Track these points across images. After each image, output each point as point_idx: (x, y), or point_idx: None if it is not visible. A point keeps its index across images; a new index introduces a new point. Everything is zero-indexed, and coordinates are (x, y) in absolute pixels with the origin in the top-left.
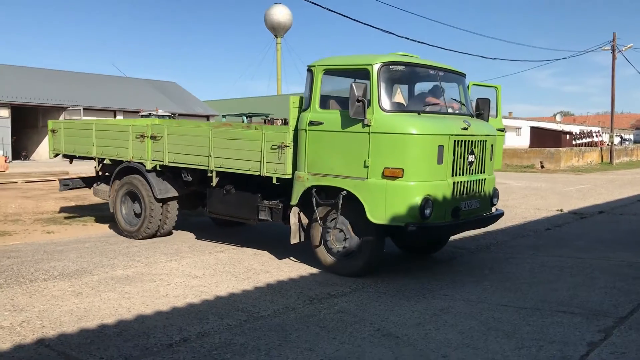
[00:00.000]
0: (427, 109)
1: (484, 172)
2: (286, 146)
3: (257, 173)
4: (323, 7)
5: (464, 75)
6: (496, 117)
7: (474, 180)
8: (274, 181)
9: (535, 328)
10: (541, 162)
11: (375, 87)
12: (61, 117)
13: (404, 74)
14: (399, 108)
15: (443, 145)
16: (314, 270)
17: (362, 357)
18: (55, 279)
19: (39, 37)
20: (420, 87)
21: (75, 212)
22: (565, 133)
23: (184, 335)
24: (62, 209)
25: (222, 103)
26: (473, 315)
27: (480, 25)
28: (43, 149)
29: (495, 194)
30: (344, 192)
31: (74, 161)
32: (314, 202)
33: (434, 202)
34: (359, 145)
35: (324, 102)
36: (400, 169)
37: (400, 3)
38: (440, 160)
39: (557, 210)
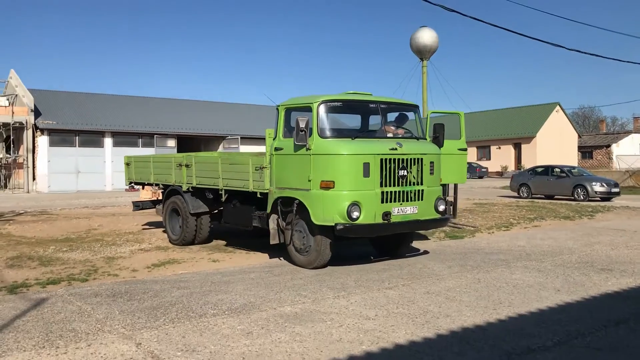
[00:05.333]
0: (362, 134)
1: (421, 184)
2: (264, 167)
3: (247, 189)
4: (473, 18)
5: (413, 105)
6: (460, 139)
7: (407, 191)
8: (258, 195)
9: None
10: None
11: (315, 119)
12: (220, 146)
13: (342, 109)
14: (334, 134)
15: (369, 162)
16: (502, 316)
17: None
18: (224, 314)
19: (198, 71)
20: (365, 117)
21: (236, 244)
22: None
23: None
24: (228, 242)
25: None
26: None
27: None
28: None
29: (439, 203)
30: (297, 201)
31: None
32: (279, 210)
33: (361, 207)
34: (305, 164)
35: (287, 132)
36: (332, 181)
37: (568, 12)
38: (366, 174)
39: None
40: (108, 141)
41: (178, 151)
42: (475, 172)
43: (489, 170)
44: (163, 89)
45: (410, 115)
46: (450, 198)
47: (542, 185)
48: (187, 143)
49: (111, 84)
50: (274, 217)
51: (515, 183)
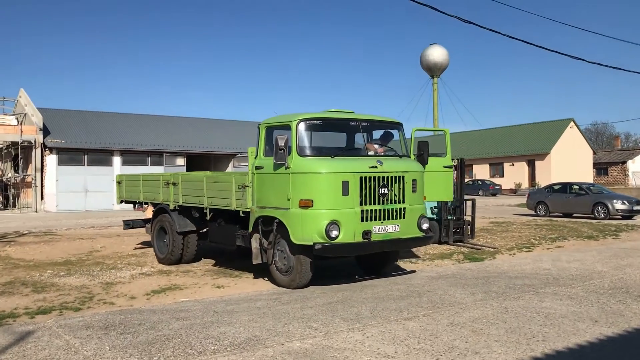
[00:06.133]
0: (341, 152)
1: (403, 202)
2: (246, 186)
3: (231, 208)
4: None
5: (396, 123)
6: (445, 156)
7: (387, 209)
8: (241, 214)
9: None
10: None
11: (294, 138)
12: (230, 164)
13: (322, 127)
14: (314, 153)
15: (348, 181)
16: (537, 353)
17: None
18: (225, 350)
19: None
20: (349, 135)
21: (224, 264)
22: None
23: None
24: (217, 262)
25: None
26: None
27: None
28: None
29: (422, 221)
30: (277, 220)
31: None
32: (260, 230)
33: (340, 226)
34: (284, 183)
35: (268, 151)
36: (310, 200)
37: (582, 24)
38: (345, 192)
39: None
40: (117, 160)
41: (188, 169)
42: (488, 189)
43: (502, 188)
44: (172, 107)
45: (394, 133)
46: (468, 217)
47: (560, 203)
48: (196, 161)
49: (120, 102)
50: (256, 236)
51: (532, 201)
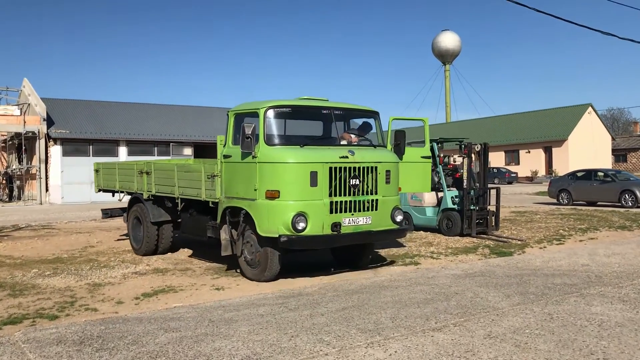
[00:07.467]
0: (311, 142)
1: (375, 194)
2: (215, 175)
3: (200, 198)
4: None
5: (372, 112)
6: (424, 145)
7: (358, 201)
8: (211, 204)
9: None
10: None
11: (262, 126)
12: None
13: (292, 115)
14: (282, 142)
15: (317, 171)
16: None
17: None
18: None
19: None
20: (324, 124)
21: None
22: None
23: None
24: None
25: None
26: None
27: None
28: None
29: (396, 213)
30: (244, 211)
31: None
32: (227, 221)
33: (308, 218)
34: (251, 173)
35: (237, 139)
36: (277, 190)
37: None
38: (313, 183)
39: None
40: (123, 150)
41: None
42: (504, 177)
43: (518, 176)
44: (178, 97)
45: (370, 122)
46: (492, 207)
47: (584, 190)
48: (204, 151)
49: (126, 92)
50: (225, 227)
51: (555, 189)
